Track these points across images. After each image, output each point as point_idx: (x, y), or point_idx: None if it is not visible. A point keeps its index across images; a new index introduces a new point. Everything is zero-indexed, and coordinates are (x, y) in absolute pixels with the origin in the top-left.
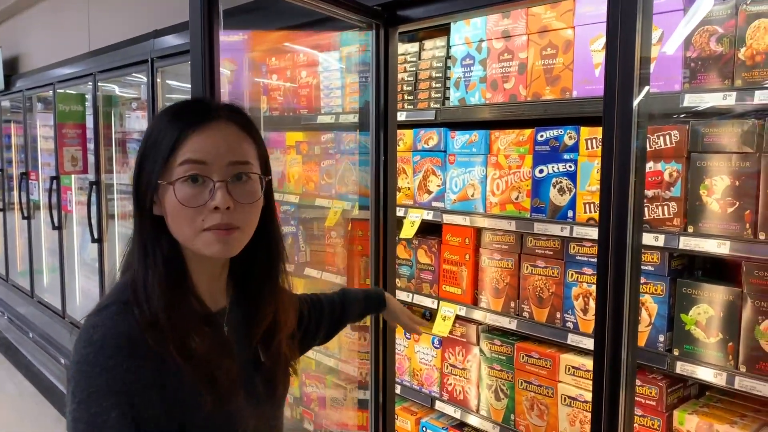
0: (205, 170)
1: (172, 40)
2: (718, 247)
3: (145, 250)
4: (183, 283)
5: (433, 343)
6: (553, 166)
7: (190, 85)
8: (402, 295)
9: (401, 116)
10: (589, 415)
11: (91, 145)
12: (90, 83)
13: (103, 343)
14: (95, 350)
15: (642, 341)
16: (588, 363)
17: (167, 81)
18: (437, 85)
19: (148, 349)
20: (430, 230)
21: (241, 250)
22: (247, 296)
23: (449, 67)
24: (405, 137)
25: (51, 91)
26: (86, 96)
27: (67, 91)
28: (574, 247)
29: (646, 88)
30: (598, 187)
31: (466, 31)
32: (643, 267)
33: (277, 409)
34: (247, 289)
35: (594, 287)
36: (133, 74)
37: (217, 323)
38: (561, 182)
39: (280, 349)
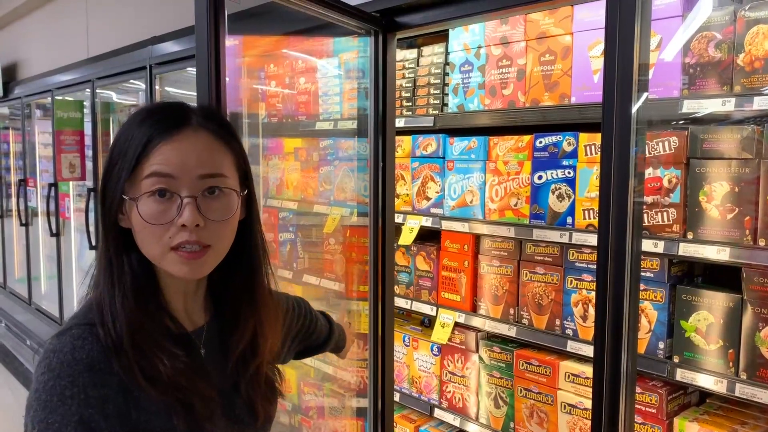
0: (173, 184)
1: (170, 47)
2: (718, 254)
3: (111, 266)
4: (153, 302)
5: (432, 350)
6: (552, 173)
7: (187, 92)
8: (401, 302)
9: (400, 123)
10: (589, 422)
11: (89, 152)
12: (88, 90)
13: (60, 371)
14: (53, 378)
15: (642, 348)
16: (588, 370)
17: (165, 88)
18: (436, 92)
19: (112, 376)
20: (428, 237)
21: (218, 265)
22: (224, 315)
23: (448, 74)
24: (403, 144)
25: (49, 98)
26: (84, 103)
27: (66, 98)
28: (573, 253)
29: (645, 94)
30: (597, 193)
31: (465, 37)
32: (642, 273)
33: None
34: (224, 308)
35: (593, 294)
36: (131, 81)
37: (194, 344)
38: (560, 188)
39: (259, 374)
